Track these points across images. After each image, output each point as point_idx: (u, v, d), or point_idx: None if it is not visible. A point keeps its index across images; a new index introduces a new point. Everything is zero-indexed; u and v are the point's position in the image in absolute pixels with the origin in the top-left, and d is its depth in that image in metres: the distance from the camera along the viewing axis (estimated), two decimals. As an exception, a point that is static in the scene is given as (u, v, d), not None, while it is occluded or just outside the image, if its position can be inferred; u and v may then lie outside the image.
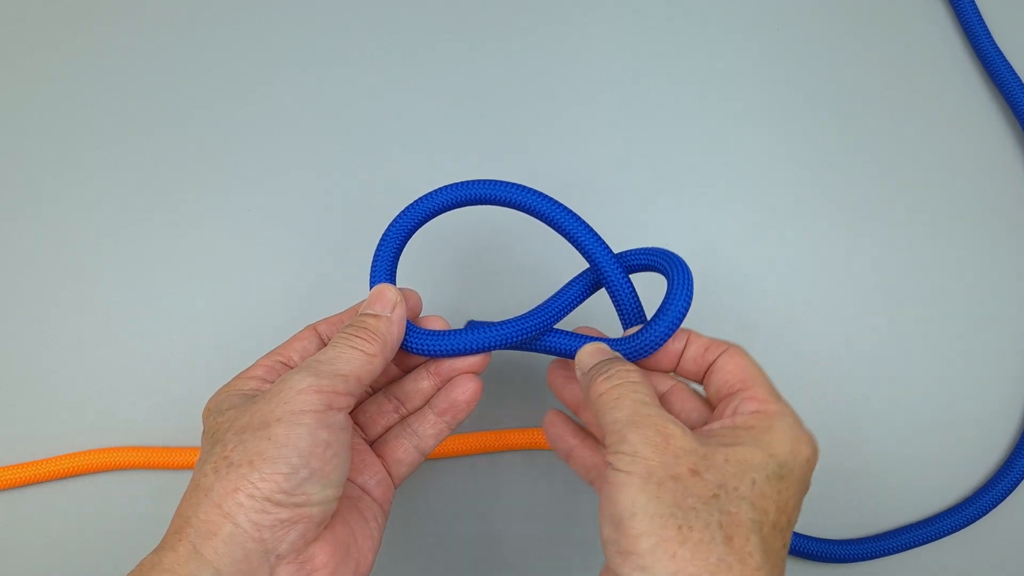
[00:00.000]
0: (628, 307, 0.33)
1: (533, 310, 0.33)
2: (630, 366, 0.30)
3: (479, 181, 0.33)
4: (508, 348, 0.33)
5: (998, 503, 0.42)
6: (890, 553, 0.41)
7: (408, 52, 0.49)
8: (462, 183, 0.33)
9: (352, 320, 0.32)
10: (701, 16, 0.50)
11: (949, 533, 0.41)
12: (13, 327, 0.44)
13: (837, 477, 0.43)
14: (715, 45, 0.49)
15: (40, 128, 0.47)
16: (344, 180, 0.46)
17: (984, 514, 0.42)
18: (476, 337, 0.32)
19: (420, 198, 0.33)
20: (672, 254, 0.33)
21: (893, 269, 0.46)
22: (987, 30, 0.48)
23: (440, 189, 0.33)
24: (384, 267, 0.33)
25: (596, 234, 0.33)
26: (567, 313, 0.34)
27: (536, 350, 0.34)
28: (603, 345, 0.32)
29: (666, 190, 0.47)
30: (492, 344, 0.33)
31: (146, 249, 0.45)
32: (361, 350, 0.31)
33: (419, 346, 0.33)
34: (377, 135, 0.47)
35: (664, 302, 0.31)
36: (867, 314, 0.45)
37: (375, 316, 0.32)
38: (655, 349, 0.31)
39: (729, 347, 0.32)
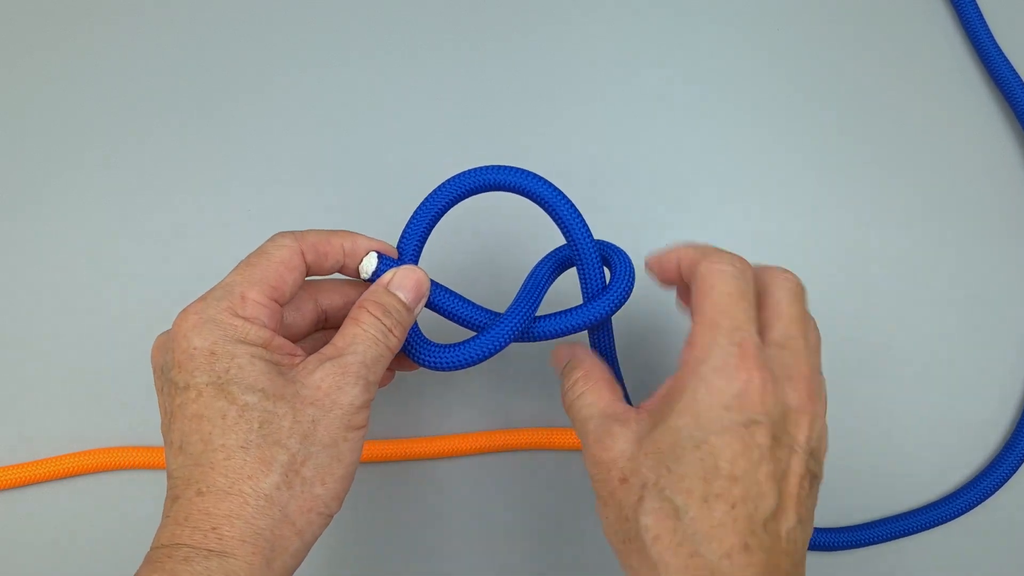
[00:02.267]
0: (595, 284, 0.35)
1: (519, 303, 0.34)
2: (584, 370, 0.32)
3: (493, 167, 0.33)
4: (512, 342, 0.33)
5: (986, 497, 0.43)
6: (879, 541, 0.42)
7: (408, 52, 0.49)
8: (482, 168, 0.33)
9: (382, 297, 0.31)
10: (701, 16, 0.50)
11: (934, 526, 0.43)
12: (13, 327, 0.44)
13: (834, 468, 0.43)
14: (715, 45, 0.49)
15: (40, 128, 0.47)
16: (344, 180, 0.46)
17: (970, 509, 0.43)
18: (481, 345, 0.33)
19: (453, 177, 0.33)
20: (617, 248, 0.35)
21: (893, 267, 0.46)
22: (988, 30, 0.48)
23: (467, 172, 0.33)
24: (416, 236, 0.33)
25: (580, 215, 0.33)
26: (542, 298, 0.35)
27: (528, 340, 0.34)
28: (563, 349, 0.34)
29: (666, 190, 0.47)
30: (495, 349, 0.33)
31: (146, 249, 0.45)
32: (388, 345, 0.30)
33: (427, 359, 0.33)
34: (377, 135, 0.47)
35: (612, 277, 0.34)
36: (866, 311, 0.45)
37: (405, 306, 0.31)
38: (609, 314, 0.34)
39: (700, 265, 0.29)
